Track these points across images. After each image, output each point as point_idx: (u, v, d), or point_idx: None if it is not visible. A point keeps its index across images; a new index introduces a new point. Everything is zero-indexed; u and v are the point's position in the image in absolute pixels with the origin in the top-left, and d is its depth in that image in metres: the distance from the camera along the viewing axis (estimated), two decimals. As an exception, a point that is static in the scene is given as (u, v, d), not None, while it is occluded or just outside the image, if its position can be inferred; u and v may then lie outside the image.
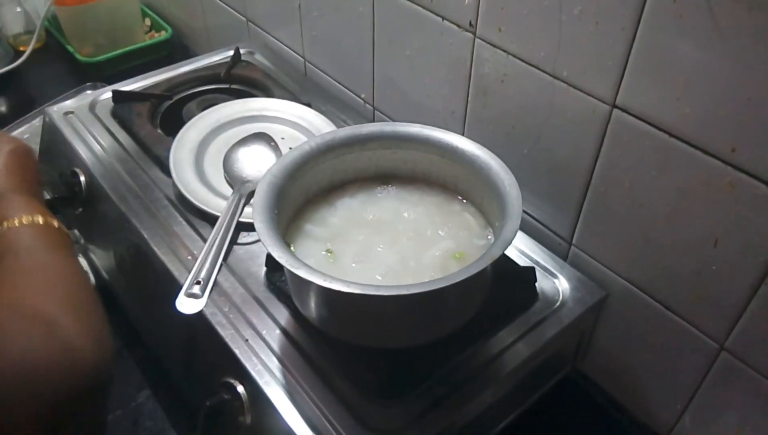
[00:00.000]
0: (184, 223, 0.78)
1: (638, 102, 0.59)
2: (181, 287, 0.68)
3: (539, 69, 0.66)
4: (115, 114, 0.96)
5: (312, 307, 0.61)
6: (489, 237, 0.66)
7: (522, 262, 0.73)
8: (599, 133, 0.63)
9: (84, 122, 0.95)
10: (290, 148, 0.85)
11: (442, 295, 0.53)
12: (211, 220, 0.77)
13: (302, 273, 0.53)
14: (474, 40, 0.72)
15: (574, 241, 0.73)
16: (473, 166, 0.65)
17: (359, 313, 0.58)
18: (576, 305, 0.69)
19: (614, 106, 0.61)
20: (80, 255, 0.93)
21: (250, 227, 0.76)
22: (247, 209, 0.77)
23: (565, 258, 0.75)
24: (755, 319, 0.58)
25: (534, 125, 0.70)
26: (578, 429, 0.76)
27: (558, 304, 0.69)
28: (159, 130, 0.93)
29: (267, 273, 0.71)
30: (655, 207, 0.62)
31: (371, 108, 0.96)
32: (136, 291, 0.82)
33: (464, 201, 0.70)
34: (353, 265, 0.63)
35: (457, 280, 0.52)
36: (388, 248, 0.64)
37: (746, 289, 0.57)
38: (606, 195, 0.66)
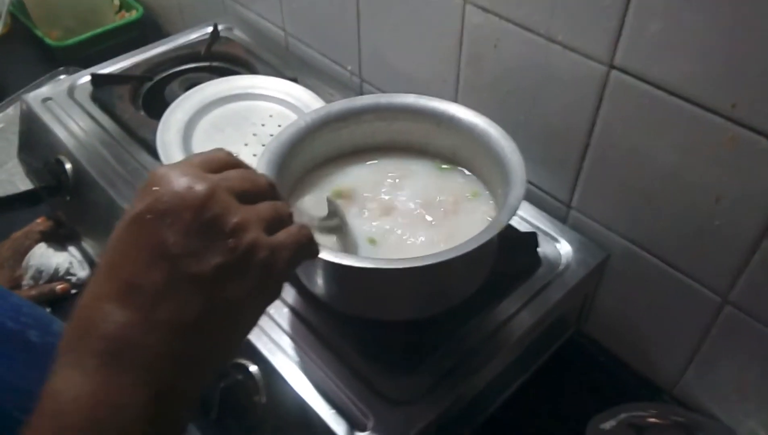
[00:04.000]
0: None
1: (636, 62, 0.59)
2: None
3: (533, 32, 0.65)
4: (95, 98, 0.94)
5: (320, 282, 0.60)
6: (492, 202, 0.66)
7: (522, 228, 0.73)
8: (597, 95, 0.63)
9: (64, 108, 0.93)
10: (279, 126, 0.85)
11: (452, 265, 0.52)
12: None
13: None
14: (464, 5, 0.71)
15: (573, 204, 0.73)
16: (472, 135, 0.65)
17: (369, 288, 0.58)
18: (579, 267, 0.69)
19: (612, 66, 0.61)
20: (73, 245, 0.91)
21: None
22: None
23: (564, 221, 0.75)
24: (758, 272, 0.59)
25: (529, 90, 0.70)
26: (584, 389, 0.77)
27: (561, 267, 0.69)
28: (142, 113, 0.91)
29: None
30: (656, 166, 0.62)
31: (359, 80, 0.94)
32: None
33: (463, 169, 0.69)
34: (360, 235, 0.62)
35: (468, 249, 0.52)
36: (394, 221, 0.64)
37: (749, 242, 0.58)
38: (605, 157, 0.66)
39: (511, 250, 0.68)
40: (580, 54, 0.62)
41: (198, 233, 0.34)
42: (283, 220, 0.39)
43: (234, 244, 0.34)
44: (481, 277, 0.62)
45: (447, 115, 0.66)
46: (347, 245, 0.60)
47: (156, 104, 0.91)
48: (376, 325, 0.62)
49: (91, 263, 0.88)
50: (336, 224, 0.59)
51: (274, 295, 0.38)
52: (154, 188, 0.35)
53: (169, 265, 0.33)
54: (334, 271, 0.56)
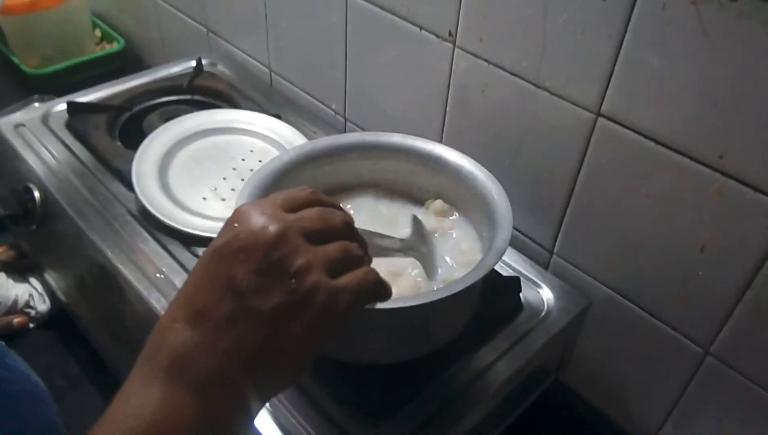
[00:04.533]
0: (150, 239, 0.74)
1: (624, 110, 0.59)
2: (152, 309, 0.64)
3: (522, 78, 0.66)
4: (70, 126, 0.91)
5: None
6: (479, 244, 0.64)
7: (504, 272, 0.72)
8: (583, 141, 0.63)
9: (36, 135, 0.89)
10: (260, 162, 0.83)
11: (436, 307, 0.51)
12: (179, 236, 0.73)
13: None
14: (453, 50, 0.71)
15: (555, 250, 0.72)
16: (458, 176, 0.64)
17: (346, 328, 0.55)
18: (560, 314, 0.68)
19: (599, 114, 0.61)
20: (34, 277, 0.86)
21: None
22: (219, 224, 0.73)
23: (546, 267, 0.74)
24: (741, 323, 0.58)
25: (515, 135, 0.70)
26: (561, 440, 0.75)
27: (543, 313, 0.68)
28: (118, 143, 0.89)
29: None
30: (641, 214, 0.62)
31: (342, 119, 0.94)
32: (100, 313, 0.76)
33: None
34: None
35: (454, 290, 0.51)
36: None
37: (732, 293, 0.57)
38: (590, 203, 0.66)
39: (494, 294, 0.67)
40: (567, 101, 0.63)
41: (265, 272, 0.36)
42: (352, 260, 0.40)
43: (295, 286, 0.36)
44: (464, 320, 0.60)
45: (433, 155, 0.66)
46: (429, 267, 0.59)
47: (133, 135, 0.89)
48: (352, 368, 0.59)
49: (52, 296, 0.84)
50: (419, 245, 0.58)
51: (334, 334, 0.39)
52: (235, 225, 0.37)
53: (235, 298, 0.36)
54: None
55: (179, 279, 0.68)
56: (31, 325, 0.84)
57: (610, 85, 0.59)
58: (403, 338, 0.56)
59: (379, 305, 0.48)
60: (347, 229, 0.41)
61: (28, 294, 0.85)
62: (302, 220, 0.38)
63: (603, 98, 0.60)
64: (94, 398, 0.77)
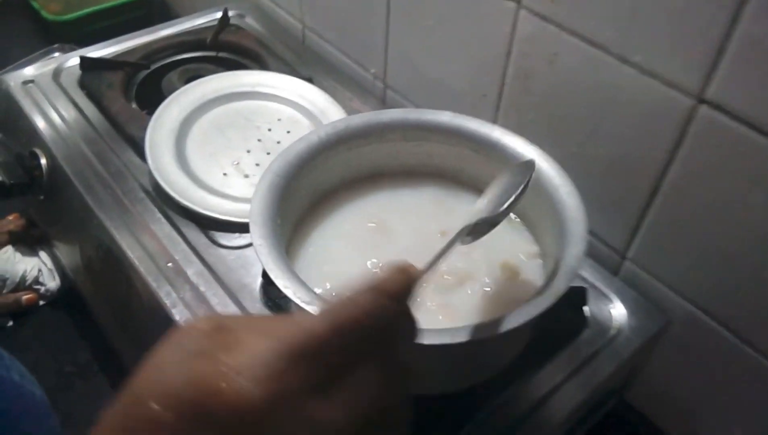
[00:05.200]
0: (163, 220, 0.66)
1: (735, 98, 0.47)
2: (161, 303, 0.56)
3: (603, 49, 0.54)
4: (83, 84, 0.83)
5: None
6: (537, 253, 0.55)
7: (565, 277, 0.61)
8: (677, 132, 0.52)
9: (46, 93, 0.82)
10: (288, 133, 0.74)
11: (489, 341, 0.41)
12: (195, 218, 0.65)
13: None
14: (517, 10, 0.60)
15: (629, 255, 0.62)
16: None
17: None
18: (634, 334, 0.58)
19: (701, 100, 0.49)
20: (44, 251, 0.80)
21: (241, 228, 0.64)
22: (241, 206, 0.64)
23: (615, 273, 0.64)
24: None
25: (589, 117, 0.58)
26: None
27: (612, 332, 0.58)
28: (134, 105, 0.81)
29: (264, 285, 0.60)
30: (744, 224, 0.50)
31: (382, 85, 0.83)
32: (107, 299, 0.70)
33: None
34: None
35: (514, 324, 0.41)
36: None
37: None
38: (679, 205, 0.55)
39: (553, 307, 0.56)
40: (661, 81, 0.51)
41: None
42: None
43: None
44: (520, 347, 0.52)
45: (489, 140, 0.56)
46: None
47: (151, 96, 0.81)
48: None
49: (62, 273, 0.77)
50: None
51: None
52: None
53: None
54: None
55: (192, 270, 0.61)
56: (41, 303, 0.77)
57: (720, 66, 0.47)
58: (447, 369, 0.48)
59: (422, 340, 0.40)
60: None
61: (38, 269, 0.78)
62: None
63: (708, 81, 0.48)
64: (104, 387, 0.71)
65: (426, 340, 0.40)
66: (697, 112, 0.50)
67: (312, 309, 0.41)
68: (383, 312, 0.26)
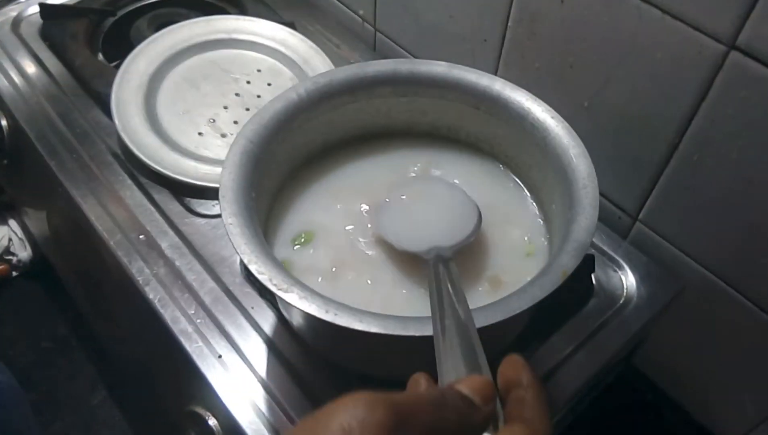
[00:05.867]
0: (133, 186, 0.62)
1: (772, 42, 0.41)
2: (133, 280, 0.53)
3: (619, -13, 0.47)
4: (44, 35, 0.77)
5: (307, 329, 0.45)
6: (540, 221, 0.50)
7: (571, 242, 0.57)
8: (703, 81, 0.46)
9: (5, 46, 0.75)
10: (269, 85, 0.68)
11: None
12: (168, 183, 0.60)
13: (301, 304, 0.37)
14: (521, -59, 0.52)
15: (640, 217, 0.57)
16: (521, 124, 0.49)
17: (375, 347, 0.42)
18: (645, 303, 0.54)
19: (733, 47, 0.43)
20: (14, 220, 0.74)
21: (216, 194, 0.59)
22: (213, 169, 0.59)
23: (624, 236, 0.59)
24: None
25: (602, 65, 0.52)
26: (627, 431, 0.63)
27: (622, 300, 0.54)
28: (100, 57, 0.75)
29: (242, 261, 0.54)
30: (773, 187, 0.45)
31: (372, 29, 0.77)
32: (77, 273, 0.65)
33: (503, 168, 0.54)
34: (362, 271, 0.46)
35: (518, 309, 0.38)
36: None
37: None
38: (699, 163, 0.50)
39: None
40: (687, 24, 0.45)
41: None
42: None
43: None
44: (522, 324, 0.48)
45: (490, 94, 0.50)
46: None
47: (118, 46, 0.75)
48: (379, 380, 0.46)
49: (33, 243, 0.72)
50: None
51: None
52: None
53: None
54: (327, 326, 0.40)
55: (166, 243, 0.56)
56: (14, 274, 0.73)
57: (756, 7, 0.40)
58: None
59: (412, 332, 0.36)
60: None
61: (8, 239, 0.73)
62: None
63: (742, 25, 0.42)
64: (85, 366, 0.67)
65: (409, 331, 0.36)
66: (727, 60, 0.44)
67: (290, 297, 0.37)
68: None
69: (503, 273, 0.47)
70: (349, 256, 0.47)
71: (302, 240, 0.48)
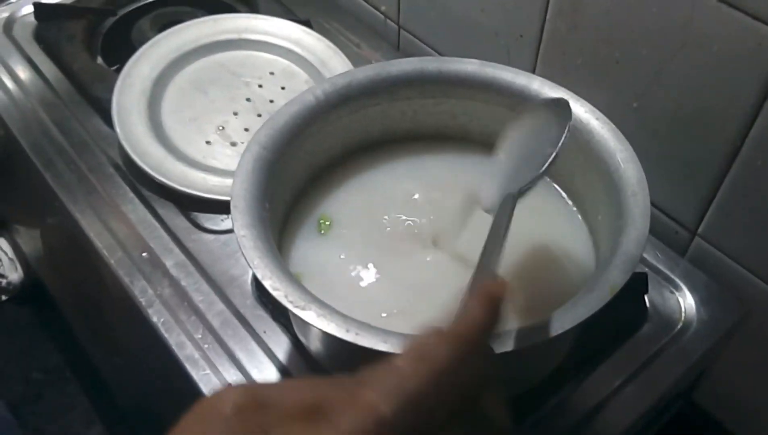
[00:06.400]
0: (136, 200, 0.65)
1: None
2: (135, 302, 0.55)
3: (670, -26, 0.49)
4: (38, 37, 0.81)
5: (326, 354, 0.47)
6: (585, 233, 0.52)
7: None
8: (766, 77, 0.47)
9: (-3, 49, 0.79)
10: (283, 89, 0.71)
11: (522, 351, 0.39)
12: (174, 197, 0.63)
13: (319, 322, 0.38)
14: (560, -74, 0.55)
15: (700, 231, 0.59)
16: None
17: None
18: (706, 328, 0.55)
19: (799, 37, 0.44)
20: (3, 238, 0.78)
21: (228, 208, 0.61)
22: (222, 180, 0.63)
23: (683, 253, 0.61)
24: None
25: (652, 60, 0.54)
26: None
27: (680, 325, 0.55)
28: (99, 61, 0.80)
29: (255, 278, 0.56)
30: None
31: (395, 26, 0.80)
32: (73, 295, 0.68)
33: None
34: (386, 281, 0.48)
35: (561, 329, 0.39)
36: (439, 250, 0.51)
37: None
38: (765, 170, 0.51)
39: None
40: (745, 12, 0.47)
41: None
42: None
43: None
44: (566, 348, 0.50)
45: (528, 94, 0.53)
46: None
47: (119, 49, 0.80)
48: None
49: (25, 263, 0.75)
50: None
51: None
52: None
53: None
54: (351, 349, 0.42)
55: (171, 261, 0.59)
56: (3, 298, 0.76)
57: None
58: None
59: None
60: None
61: (-3, 258, 0.76)
62: None
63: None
64: (79, 399, 0.70)
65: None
66: (792, 53, 0.45)
67: (308, 316, 0.39)
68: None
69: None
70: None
71: (320, 254, 0.50)
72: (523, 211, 0.49)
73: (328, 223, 0.52)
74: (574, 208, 0.53)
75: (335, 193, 0.55)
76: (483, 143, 0.57)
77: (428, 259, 0.50)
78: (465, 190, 0.53)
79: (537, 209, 0.53)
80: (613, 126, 0.49)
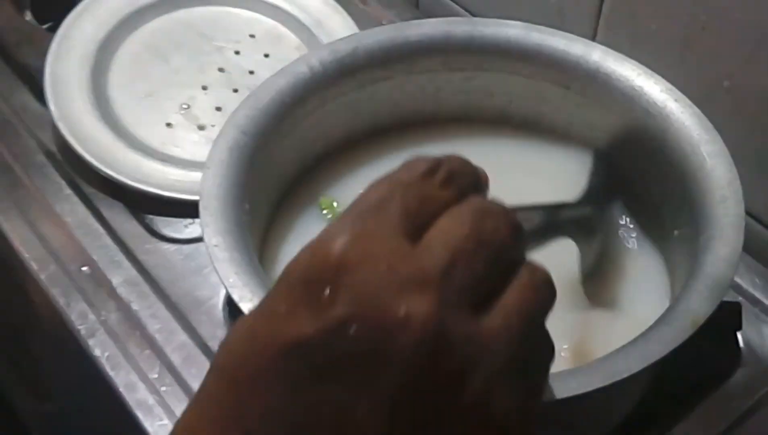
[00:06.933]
0: (74, 198, 0.67)
1: None
2: (71, 330, 0.57)
3: None
4: None
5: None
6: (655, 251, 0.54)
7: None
8: None
9: None
10: (266, 57, 0.75)
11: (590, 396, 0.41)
12: (124, 194, 0.66)
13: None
14: None
15: (809, 247, 0.60)
16: (631, 111, 0.54)
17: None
18: (815, 375, 0.56)
19: None
20: None
21: (194, 210, 0.63)
22: (187, 174, 0.65)
23: (785, 275, 0.62)
24: None
25: (750, 28, 0.57)
26: None
27: None
28: (28, 17, 0.84)
29: (231, 301, 0.58)
30: None
31: None
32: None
33: None
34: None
35: (625, 374, 0.40)
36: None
37: None
38: None
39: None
40: None
41: (421, 408, 0.29)
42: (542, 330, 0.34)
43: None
44: (635, 397, 0.51)
45: (585, 67, 0.56)
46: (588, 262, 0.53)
47: (53, 2, 0.82)
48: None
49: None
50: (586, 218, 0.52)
51: None
52: (326, 294, 0.28)
53: None
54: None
55: (120, 279, 0.61)
56: None
57: None
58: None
59: None
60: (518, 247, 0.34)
61: None
62: (456, 267, 0.30)
63: None
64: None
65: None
66: None
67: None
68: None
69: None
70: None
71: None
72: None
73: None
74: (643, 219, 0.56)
75: (334, 191, 0.57)
76: (524, 129, 0.60)
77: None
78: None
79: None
80: (697, 110, 0.50)
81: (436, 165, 0.33)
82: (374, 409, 0.28)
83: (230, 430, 0.29)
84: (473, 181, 0.34)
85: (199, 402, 0.31)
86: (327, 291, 0.28)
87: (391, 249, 0.29)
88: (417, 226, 0.30)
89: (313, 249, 0.29)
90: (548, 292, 0.32)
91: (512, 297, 0.31)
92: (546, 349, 0.33)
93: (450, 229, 0.30)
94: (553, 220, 0.47)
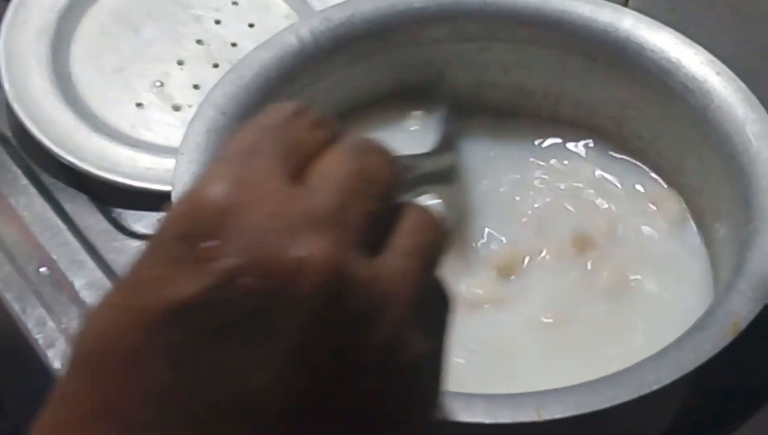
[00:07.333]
0: (31, 188, 0.68)
1: None
2: (27, 340, 0.58)
3: None
4: None
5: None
6: (691, 238, 0.56)
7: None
8: None
9: None
10: (251, 27, 0.76)
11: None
12: (88, 185, 0.67)
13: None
14: None
15: None
16: (666, 86, 0.56)
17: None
18: None
19: None
20: None
21: (163, 201, 0.64)
22: (159, 160, 0.66)
23: None
24: None
25: None
26: None
27: None
28: None
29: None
30: None
31: None
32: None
33: (634, 158, 0.61)
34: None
35: (656, 386, 0.41)
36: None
37: None
38: None
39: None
40: None
41: (327, 357, 0.29)
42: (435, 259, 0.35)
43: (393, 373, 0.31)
44: (671, 413, 0.52)
45: (614, 36, 0.57)
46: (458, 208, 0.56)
47: None
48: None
49: None
50: (448, 167, 0.55)
51: None
52: (207, 246, 0.27)
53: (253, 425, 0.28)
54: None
55: (83, 281, 0.62)
56: None
57: None
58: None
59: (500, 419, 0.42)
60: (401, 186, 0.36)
61: None
62: (348, 205, 0.30)
63: None
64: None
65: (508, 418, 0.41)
66: None
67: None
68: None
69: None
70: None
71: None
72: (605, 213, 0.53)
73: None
74: (683, 207, 0.56)
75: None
76: (549, 108, 0.62)
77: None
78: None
79: (624, 212, 0.57)
80: (743, 85, 0.52)
81: (302, 107, 0.33)
82: (279, 368, 0.28)
83: (102, 429, 0.28)
84: (341, 128, 0.34)
85: (55, 404, 0.29)
86: (208, 243, 0.27)
87: (275, 190, 0.29)
88: (297, 167, 0.31)
89: (185, 201, 0.28)
90: (441, 232, 0.34)
91: (407, 237, 0.32)
92: (442, 292, 0.34)
93: (334, 167, 0.31)
94: (417, 167, 0.48)
